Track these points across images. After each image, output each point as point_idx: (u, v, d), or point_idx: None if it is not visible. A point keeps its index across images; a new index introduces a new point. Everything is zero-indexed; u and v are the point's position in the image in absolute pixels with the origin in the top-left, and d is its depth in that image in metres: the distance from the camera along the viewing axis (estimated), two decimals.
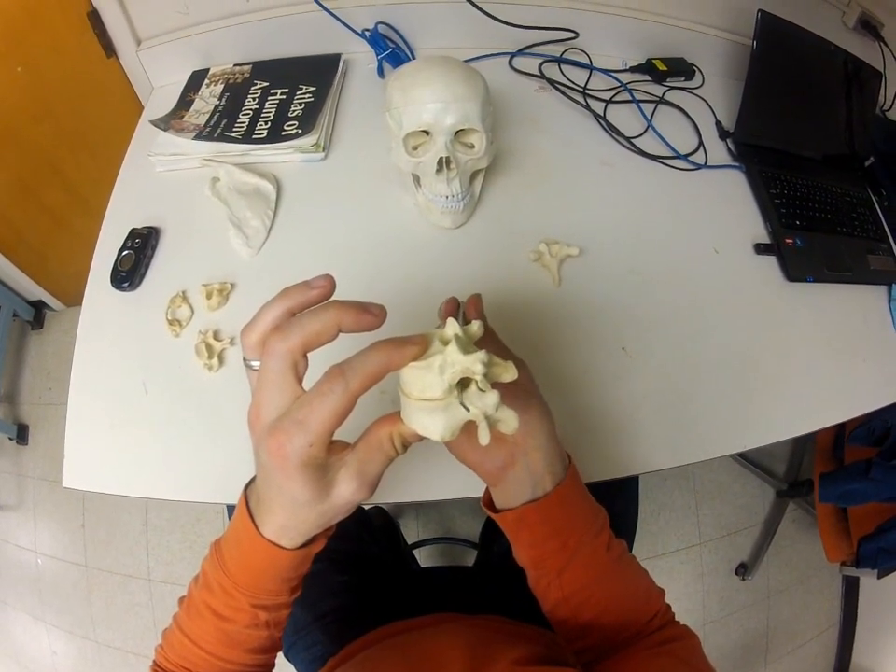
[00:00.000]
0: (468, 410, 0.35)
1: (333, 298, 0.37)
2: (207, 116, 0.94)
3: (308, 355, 0.35)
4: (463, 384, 0.35)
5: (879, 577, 1.40)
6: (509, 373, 0.37)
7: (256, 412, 0.35)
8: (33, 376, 1.90)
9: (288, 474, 0.34)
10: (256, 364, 0.37)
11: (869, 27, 1.03)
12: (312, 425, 0.33)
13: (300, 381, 0.35)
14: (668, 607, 0.54)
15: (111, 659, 1.60)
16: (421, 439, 0.37)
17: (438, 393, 0.34)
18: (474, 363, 0.34)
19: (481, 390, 0.35)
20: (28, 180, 1.38)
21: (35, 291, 1.81)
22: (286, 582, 0.43)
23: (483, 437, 0.36)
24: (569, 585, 0.49)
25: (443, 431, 0.35)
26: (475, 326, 0.38)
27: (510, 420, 0.37)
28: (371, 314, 0.35)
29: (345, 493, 0.36)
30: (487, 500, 0.52)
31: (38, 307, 1.91)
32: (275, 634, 0.47)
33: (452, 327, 0.36)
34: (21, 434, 1.80)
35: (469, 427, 0.37)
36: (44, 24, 1.05)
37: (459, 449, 0.46)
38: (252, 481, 0.42)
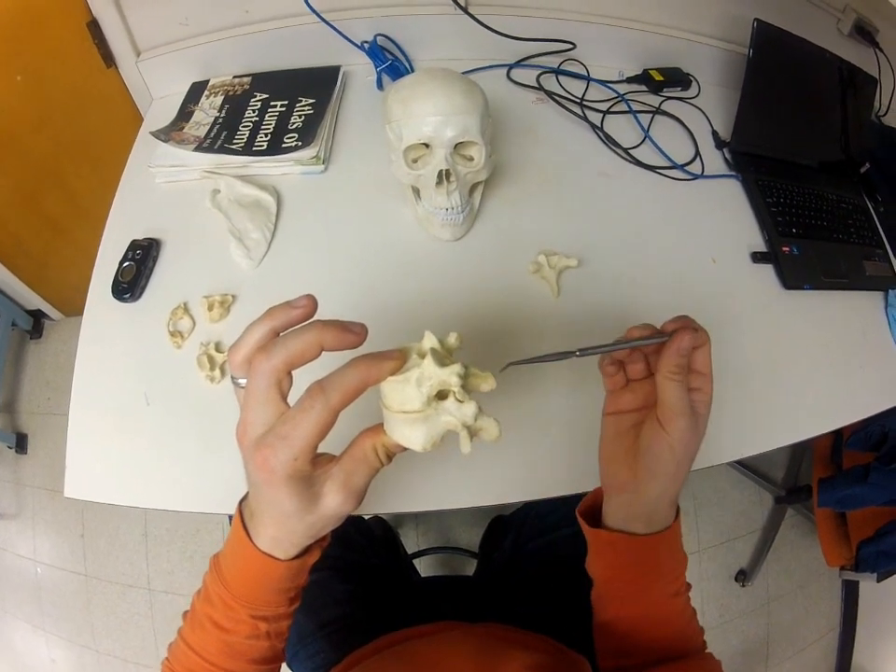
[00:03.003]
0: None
1: (320, 315, 0.38)
2: (207, 128, 0.94)
3: (293, 372, 0.36)
4: (443, 395, 0.36)
5: (879, 580, 1.40)
6: (487, 383, 0.38)
7: (243, 428, 0.36)
8: (31, 385, 1.89)
9: (276, 487, 0.35)
10: (243, 382, 0.38)
11: (864, 33, 1.03)
12: (295, 439, 0.34)
13: (284, 398, 0.36)
14: (704, 643, 0.56)
15: (110, 668, 1.59)
16: (405, 449, 0.38)
17: (416, 405, 0.35)
18: (450, 376, 0.35)
19: (459, 401, 0.36)
20: (27, 189, 1.38)
21: (33, 301, 1.81)
22: (283, 593, 0.44)
23: (464, 446, 0.36)
24: (627, 614, 0.52)
25: (424, 442, 0.36)
26: (452, 337, 0.39)
27: (490, 429, 0.37)
28: (352, 332, 0.36)
29: (332, 504, 0.37)
30: (584, 510, 0.54)
31: (37, 316, 1.91)
32: (277, 644, 0.47)
33: (428, 340, 0.37)
34: (21, 443, 1.80)
35: (629, 432, 0.47)
36: (44, 33, 1.05)
37: (608, 448, 0.51)
38: (246, 496, 0.43)
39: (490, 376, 0.38)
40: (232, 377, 0.39)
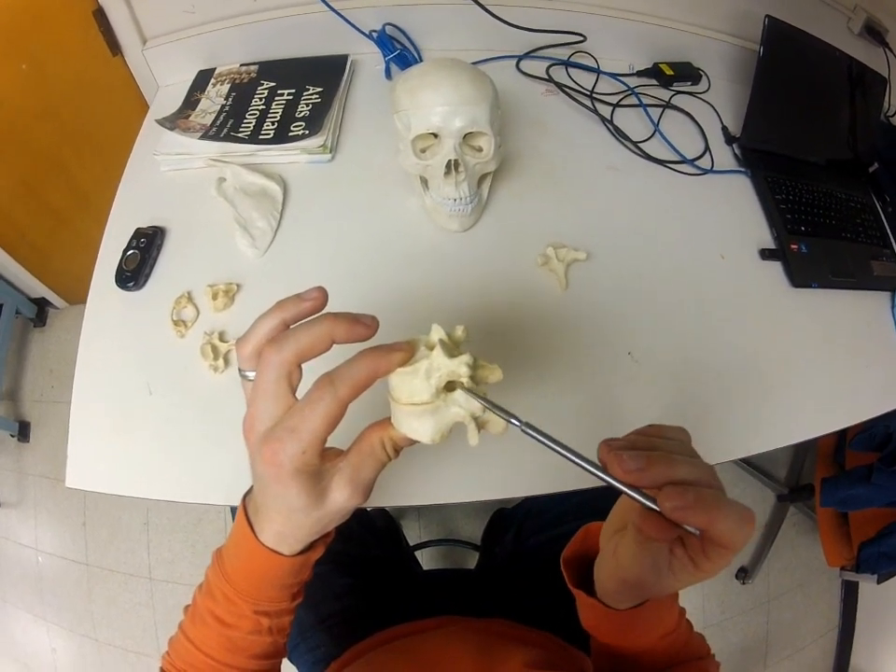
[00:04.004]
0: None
1: (328, 308, 0.38)
2: (213, 115, 0.94)
3: (302, 365, 0.36)
4: (450, 387, 0.36)
5: (879, 582, 1.40)
6: (494, 375, 0.38)
7: (250, 422, 0.36)
8: (35, 374, 1.90)
9: (283, 482, 0.35)
10: (251, 375, 0.38)
11: (874, 33, 1.03)
12: (304, 432, 0.33)
13: (293, 391, 0.36)
14: (707, 651, 0.54)
15: (111, 657, 1.60)
16: (412, 443, 0.38)
17: (425, 397, 0.35)
18: (459, 366, 0.35)
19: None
20: (31, 178, 1.38)
21: (37, 289, 1.81)
22: (286, 589, 0.44)
23: (472, 438, 0.36)
24: (615, 650, 0.50)
25: (433, 434, 0.36)
26: (459, 330, 0.39)
27: (497, 421, 0.37)
28: (363, 325, 0.36)
29: (339, 499, 0.37)
30: (569, 556, 0.52)
31: (41, 304, 1.91)
32: (279, 640, 0.47)
33: (437, 332, 0.37)
34: (23, 431, 1.80)
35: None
36: (49, 22, 1.05)
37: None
38: (250, 490, 0.43)
39: (497, 368, 0.38)
40: (240, 370, 0.39)
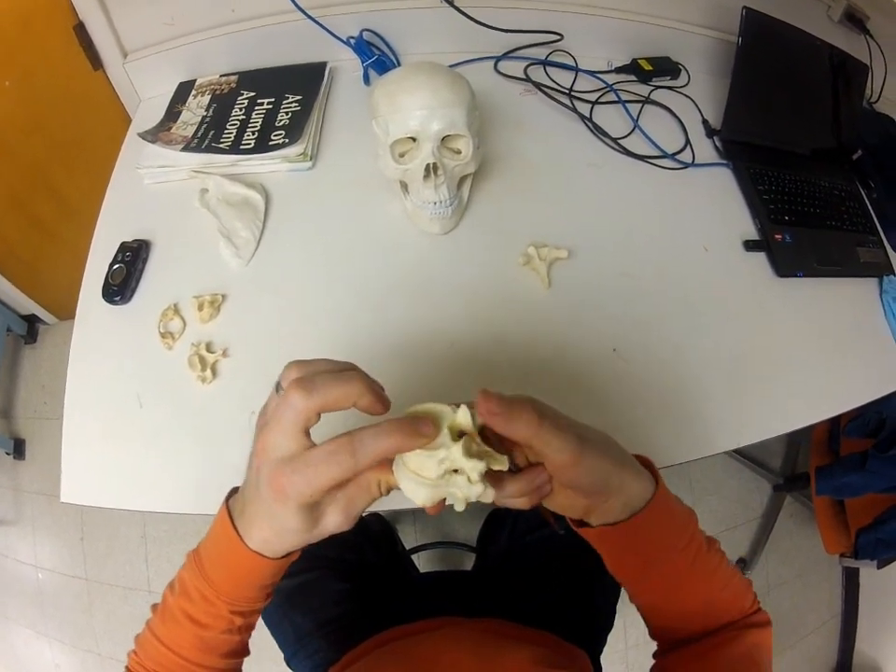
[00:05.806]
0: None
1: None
2: (195, 127, 0.94)
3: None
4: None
5: (879, 567, 1.40)
6: (499, 465, 0.39)
7: (263, 443, 0.38)
8: (28, 390, 1.89)
9: (286, 509, 0.37)
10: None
11: (854, 20, 1.03)
12: (315, 481, 0.36)
13: (307, 433, 0.38)
14: (753, 602, 0.53)
15: (114, 671, 1.60)
16: None
17: (431, 476, 0.37)
18: (472, 471, 0.37)
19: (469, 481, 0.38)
20: (18, 193, 1.38)
21: (27, 305, 1.80)
22: (263, 589, 0.45)
23: (459, 508, 0.39)
24: (647, 595, 0.51)
25: (426, 500, 0.38)
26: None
27: (487, 496, 0.39)
28: (382, 405, 0.38)
29: (331, 525, 0.40)
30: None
31: (31, 321, 1.90)
32: (246, 638, 0.49)
33: (464, 416, 0.39)
34: (18, 448, 1.79)
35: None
36: (31, 38, 1.05)
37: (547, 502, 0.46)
38: (234, 491, 0.44)
39: (505, 460, 0.39)
40: (279, 383, 0.39)
